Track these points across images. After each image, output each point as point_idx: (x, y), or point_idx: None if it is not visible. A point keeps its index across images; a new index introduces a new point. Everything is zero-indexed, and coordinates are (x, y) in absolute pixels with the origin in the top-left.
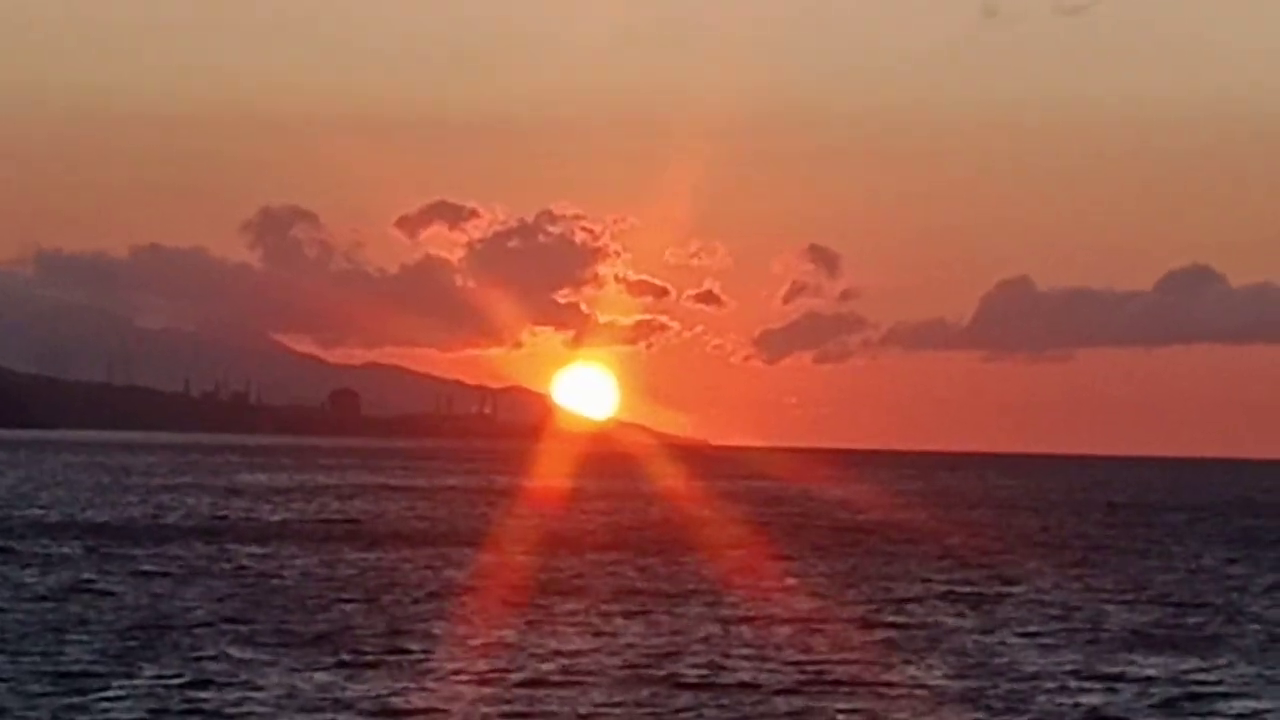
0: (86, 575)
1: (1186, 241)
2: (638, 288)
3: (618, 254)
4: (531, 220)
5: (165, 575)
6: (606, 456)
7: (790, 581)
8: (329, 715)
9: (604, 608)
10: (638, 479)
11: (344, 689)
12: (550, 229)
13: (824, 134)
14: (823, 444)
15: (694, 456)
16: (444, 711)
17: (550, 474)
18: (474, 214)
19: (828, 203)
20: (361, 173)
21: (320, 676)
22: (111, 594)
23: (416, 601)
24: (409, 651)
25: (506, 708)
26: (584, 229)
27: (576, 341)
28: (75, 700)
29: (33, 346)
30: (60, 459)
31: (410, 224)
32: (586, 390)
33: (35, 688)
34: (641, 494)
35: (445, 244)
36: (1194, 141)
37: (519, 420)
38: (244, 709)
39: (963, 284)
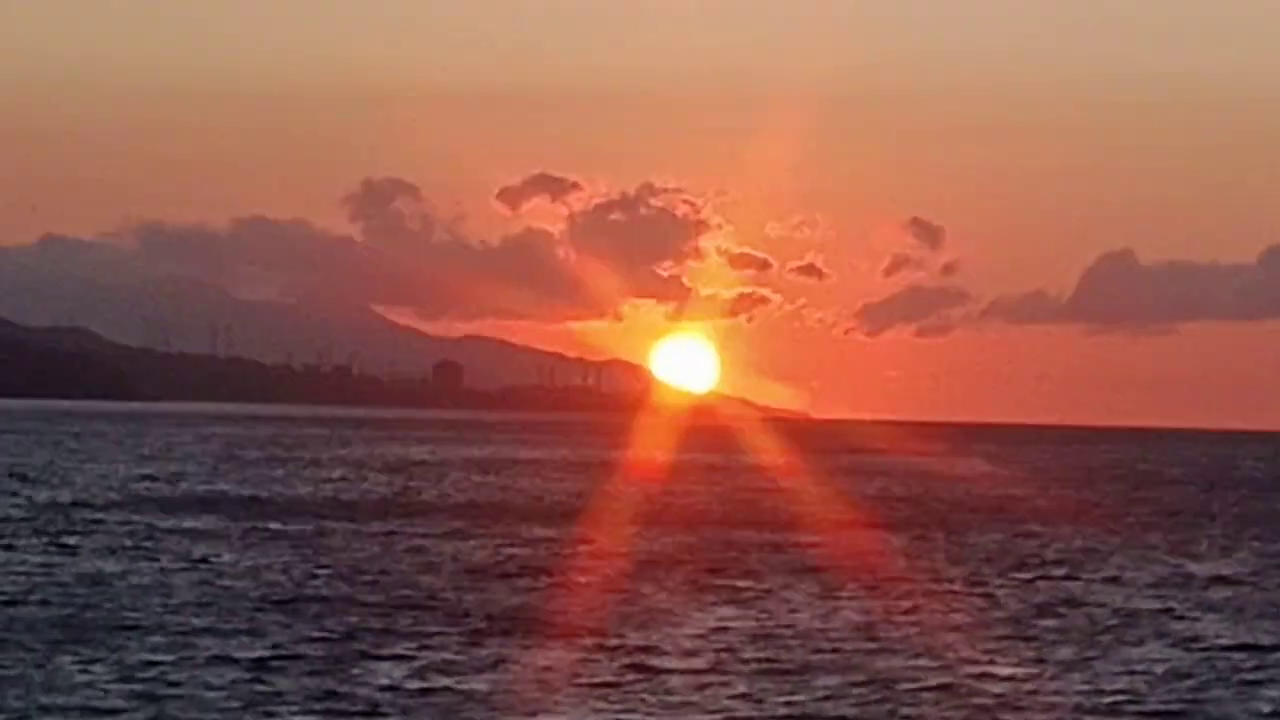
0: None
1: None
2: (739, 260)
3: (719, 226)
4: (633, 193)
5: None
6: (708, 429)
7: (902, 559)
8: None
9: (719, 583)
10: (739, 452)
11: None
12: (651, 201)
13: (927, 107)
14: (924, 417)
15: (795, 429)
16: (554, 691)
17: (655, 447)
18: (575, 186)
19: (930, 176)
20: (463, 146)
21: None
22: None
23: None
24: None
25: (604, 692)
26: (685, 201)
27: (677, 314)
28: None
29: (133, 319)
30: (187, 431)
31: (512, 196)
32: (687, 363)
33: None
34: (744, 467)
35: (546, 216)
36: None
37: (620, 393)
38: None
39: (1065, 257)
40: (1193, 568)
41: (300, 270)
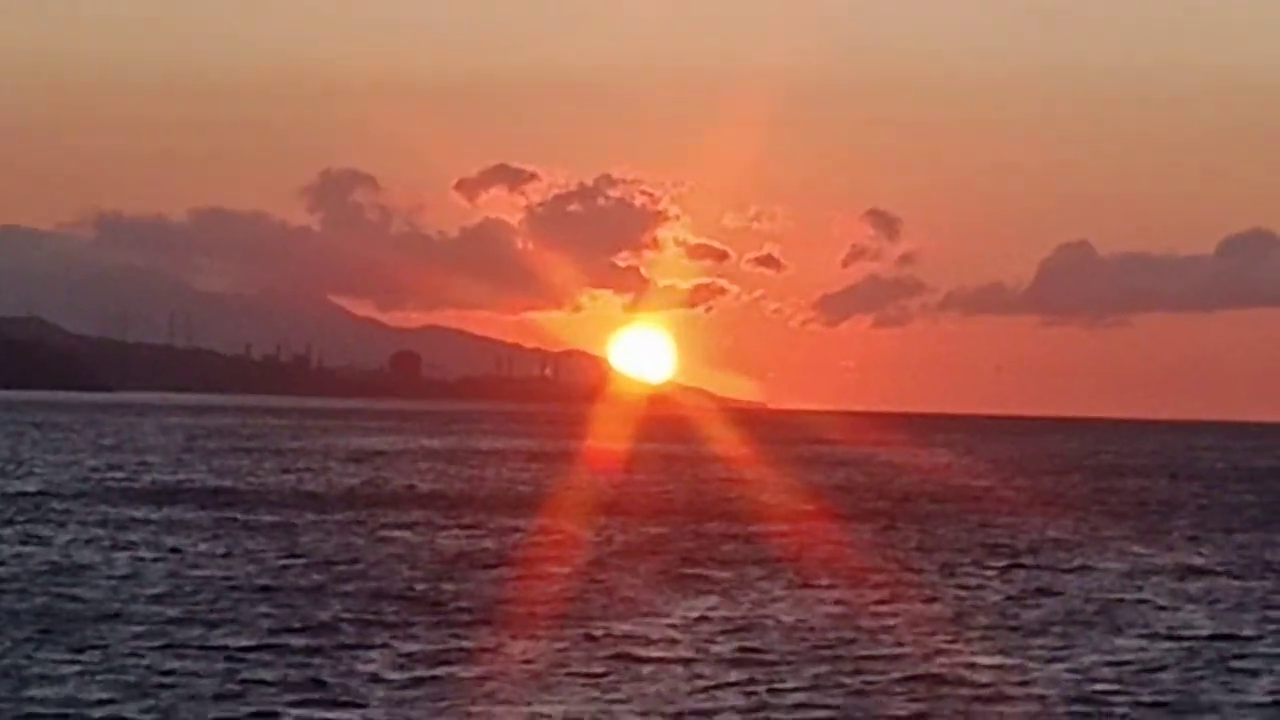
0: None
1: (1247, 206)
2: (697, 251)
3: (676, 217)
4: (591, 183)
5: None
6: (665, 419)
7: (870, 550)
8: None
9: (673, 573)
10: (697, 442)
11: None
12: (609, 192)
13: (884, 99)
14: (882, 407)
15: (752, 420)
16: (530, 681)
17: (613, 438)
18: (533, 177)
19: (888, 168)
20: (421, 137)
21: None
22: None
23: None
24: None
25: (582, 681)
26: (643, 192)
27: (635, 305)
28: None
29: (92, 309)
30: (147, 421)
31: (469, 187)
32: (644, 353)
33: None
34: (703, 457)
35: (505, 207)
36: (1255, 106)
37: (578, 383)
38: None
39: (1023, 249)
40: (1163, 559)
41: (258, 261)
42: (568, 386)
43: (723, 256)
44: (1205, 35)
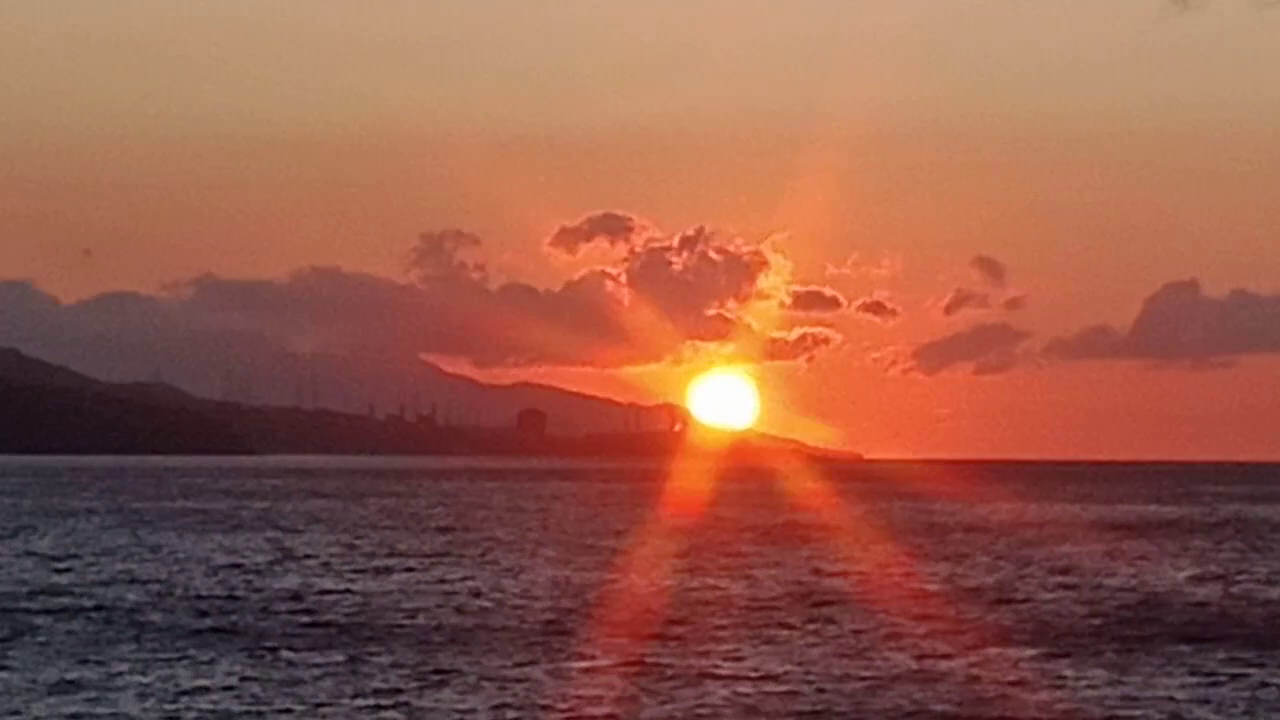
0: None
1: None
2: (803, 299)
3: (778, 267)
4: (690, 234)
5: None
6: (757, 471)
7: (933, 598)
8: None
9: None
10: (781, 495)
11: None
12: (708, 243)
13: (981, 142)
14: (981, 456)
15: (845, 470)
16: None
17: (738, 499)
18: (631, 230)
19: (992, 212)
20: (513, 191)
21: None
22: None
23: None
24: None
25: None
26: (743, 241)
27: (738, 356)
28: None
29: (202, 373)
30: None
31: (567, 241)
32: (743, 405)
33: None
34: (783, 508)
35: (603, 260)
36: None
37: (670, 435)
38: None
39: (1128, 291)
40: None
41: (350, 321)
42: (661, 439)
43: (823, 305)
44: None
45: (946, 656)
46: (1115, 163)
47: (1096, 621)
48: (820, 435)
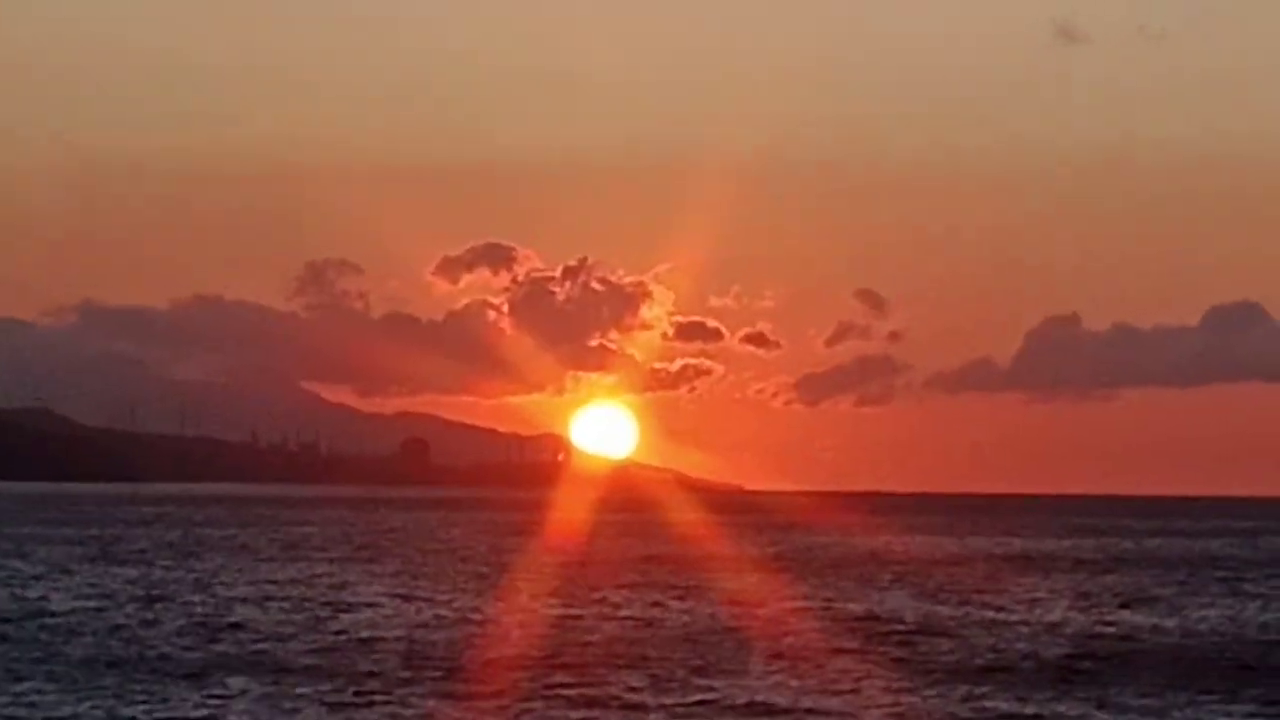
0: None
1: (1232, 277)
2: (682, 331)
3: (660, 297)
4: (573, 264)
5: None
6: (639, 500)
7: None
8: None
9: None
10: (664, 525)
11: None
12: (591, 274)
13: (863, 176)
14: (862, 488)
15: (727, 501)
16: None
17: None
18: (514, 261)
19: (875, 244)
20: (400, 221)
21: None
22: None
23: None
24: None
25: None
26: (625, 272)
27: (620, 386)
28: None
29: (82, 398)
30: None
31: (451, 271)
32: (624, 435)
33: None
34: (665, 539)
35: (485, 290)
36: (1239, 177)
37: (549, 465)
38: None
39: (1010, 324)
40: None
41: (236, 349)
42: (538, 468)
43: (707, 337)
44: (1188, 106)
45: (835, 687)
46: (997, 196)
47: (997, 655)
48: (702, 465)
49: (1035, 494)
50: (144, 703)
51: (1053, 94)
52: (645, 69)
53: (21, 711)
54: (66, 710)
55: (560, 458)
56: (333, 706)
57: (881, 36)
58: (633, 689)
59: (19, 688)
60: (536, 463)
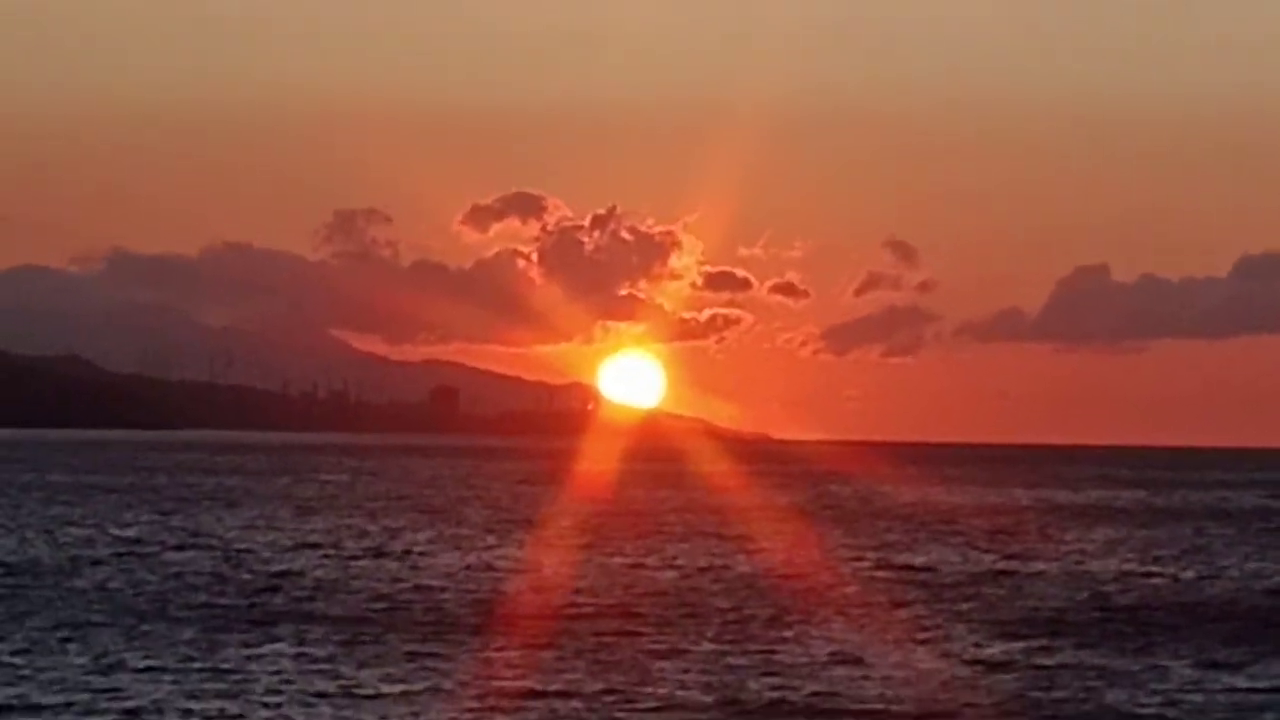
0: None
1: (1263, 228)
2: (711, 281)
3: (689, 247)
4: (602, 213)
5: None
6: (667, 450)
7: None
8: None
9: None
10: (692, 475)
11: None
12: (621, 223)
13: (896, 126)
14: (888, 437)
15: (755, 450)
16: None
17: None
18: (544, 210)
19: (905, 196)
20: (430, 170)
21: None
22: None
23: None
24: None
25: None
26: (654, 222)
27: (648, 335)
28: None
29: (112, 345)
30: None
31: (480, 220)
32: (652, 384)
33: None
34: (694, 488)
35: (516, 240)
36: (1269, 127)
37: (580, 414)
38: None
39: (1038, 274)
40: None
41: (265, 297)
42: (569, 418)
43: (736, 286)
44: (1218, 56)
45: (877, 640)
46: (1028, 147)
47: (1042, 606)
48: (729, 415)
49: (1063, 445)
50: (194, 653)
51: (1082, 45)
52: (676, 19)
53: (68, 660)
54: (112, 659)
55: (589, 407)
56: (383, 657)
57: None
58: (706, 638)
59: (62, 634)
60: (565, 411)
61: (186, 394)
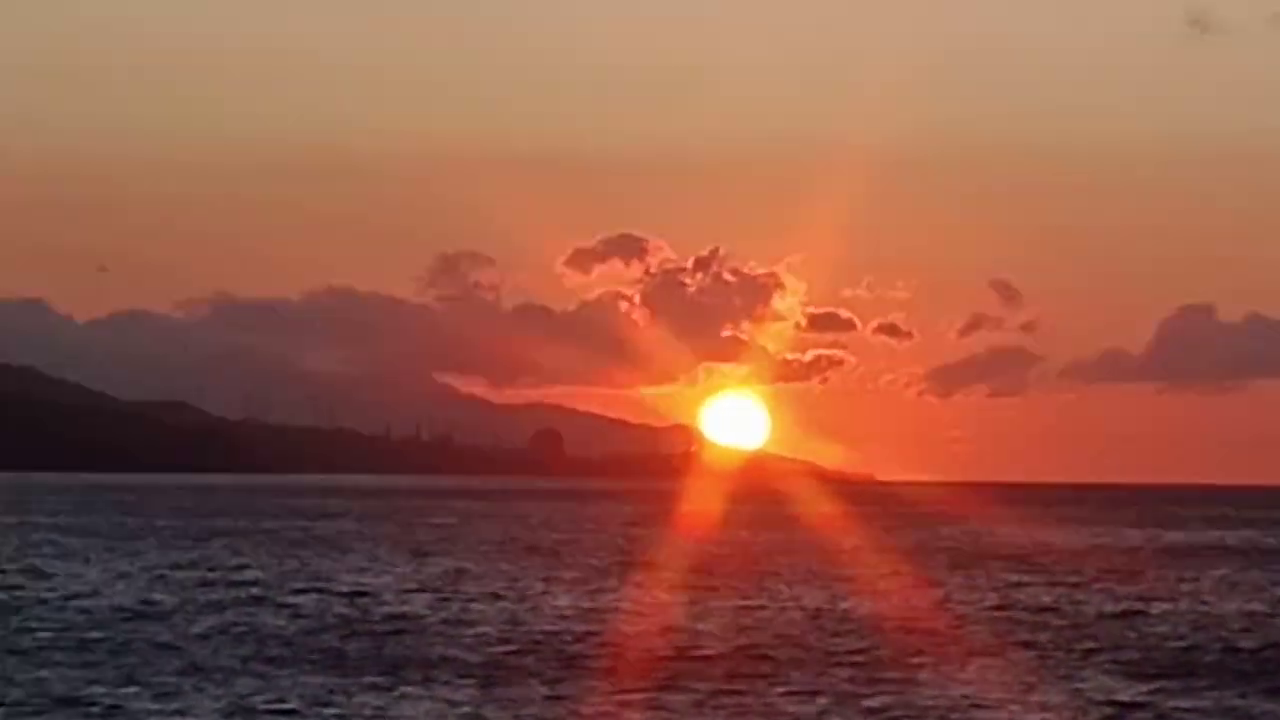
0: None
1: None
2: (814, 322)
3: (792, 288)
4: (705, 255)
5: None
6: (771, 491)
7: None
8: None
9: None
10: (797, 516)
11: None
12: (723, 264)
13: (995, 167)
14: (994, 478)
15: (859, 491)
16: None
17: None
18: (646, 252)
19: (1008, 235)
20: (532, 212)
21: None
22: None
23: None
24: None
25: None
26: (757, 263)
27: (752, 377)
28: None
29: (216, 390)
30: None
31: (583, 262)
32: (756, 426)
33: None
34: (800, 529)
35: (619, 282)
36: None
37: (685, 456)
38: None
39: (1142, 314)
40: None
41: (368, 341)
42: (677, 460)
43: (839, 327)
44: None
45: (1009, 681)
46: (1131, 186)
47: (1168, 647)
48: (833, 456)
49: (1167, 484)
50: (325, 696)
51: (1186, 85)
52: (778, 60)
53: (202, 704)
54: (245, 703)
55: (693, 449)
56: (519, 701)
57: (1014, 29)
58: (839, 679)
59: (193, 679)
60: (669, 454)
61: (291, 438)
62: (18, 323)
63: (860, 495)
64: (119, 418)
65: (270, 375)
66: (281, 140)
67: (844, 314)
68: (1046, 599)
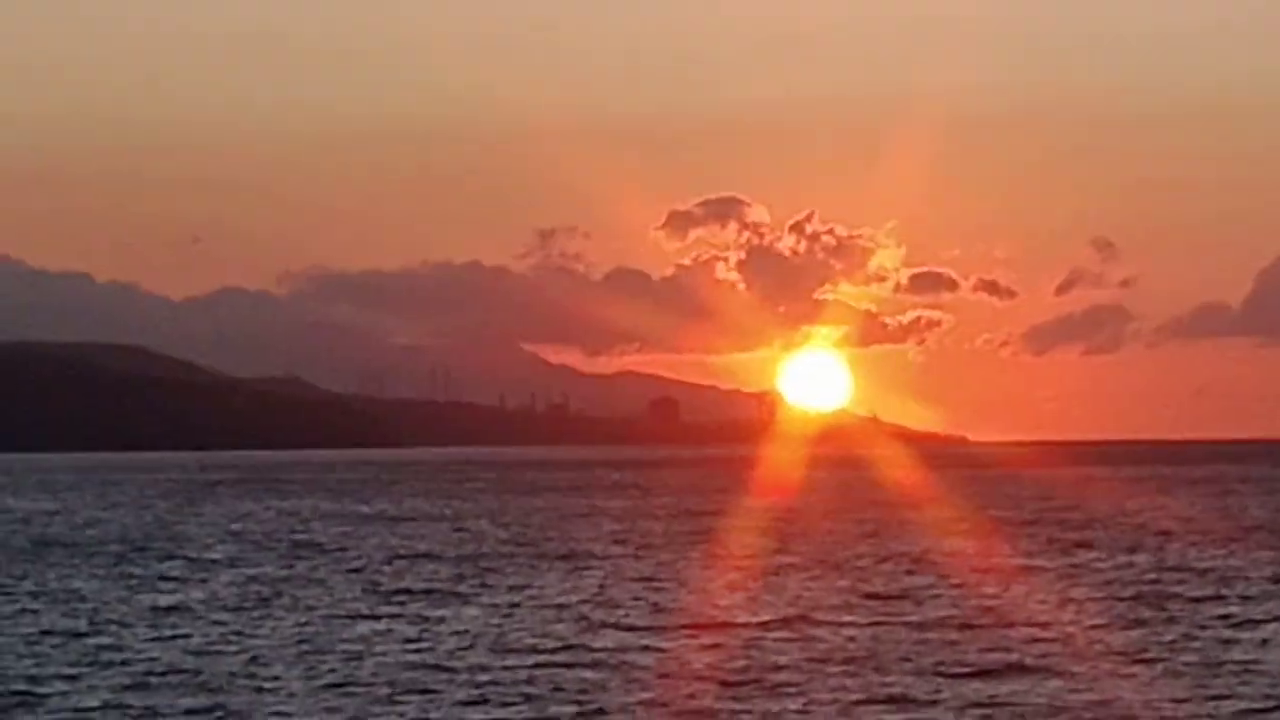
0: None
1: None
2: (915, 282)
3: (889, 250)
4: (800, 218)
5: None
6: (866, 457)
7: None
8: None
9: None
10: (893, 482)
11: None
12: (819, 227)
13: (1096, 122)
14: (1084, 437)
15: (955, 454)
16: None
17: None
18: (742, 215)
19: (1106, 192)
20: (627, 177)
21: None
22: None
23: None
24: None
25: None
26: (853, 225)
27: (848, 339)
28: None
29: (324, 365)
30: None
31: (677, 226)
32: (850, 389)
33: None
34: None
35: (713, 245)
36: None
37: (784, 420)
38: None
39: (1241, 267)
40: None
41: (465, 312)
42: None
43: (949, 285)
44: None
45: (1150, 643)
46: (1227, 139)
47: None
48: (925, 418)
49: (1266, 439)
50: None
51: (1269, 36)
52: (872, 23)
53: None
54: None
55: (786, 413)
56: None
57: None
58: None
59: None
60: (767, 418)
61: (404, 411)
62: (115, 302)
63: (954, 458)
64: (234, 395)
65: (369, 348)
66: (376, 114)
67: (946, 272)
68: (1173, 560)
